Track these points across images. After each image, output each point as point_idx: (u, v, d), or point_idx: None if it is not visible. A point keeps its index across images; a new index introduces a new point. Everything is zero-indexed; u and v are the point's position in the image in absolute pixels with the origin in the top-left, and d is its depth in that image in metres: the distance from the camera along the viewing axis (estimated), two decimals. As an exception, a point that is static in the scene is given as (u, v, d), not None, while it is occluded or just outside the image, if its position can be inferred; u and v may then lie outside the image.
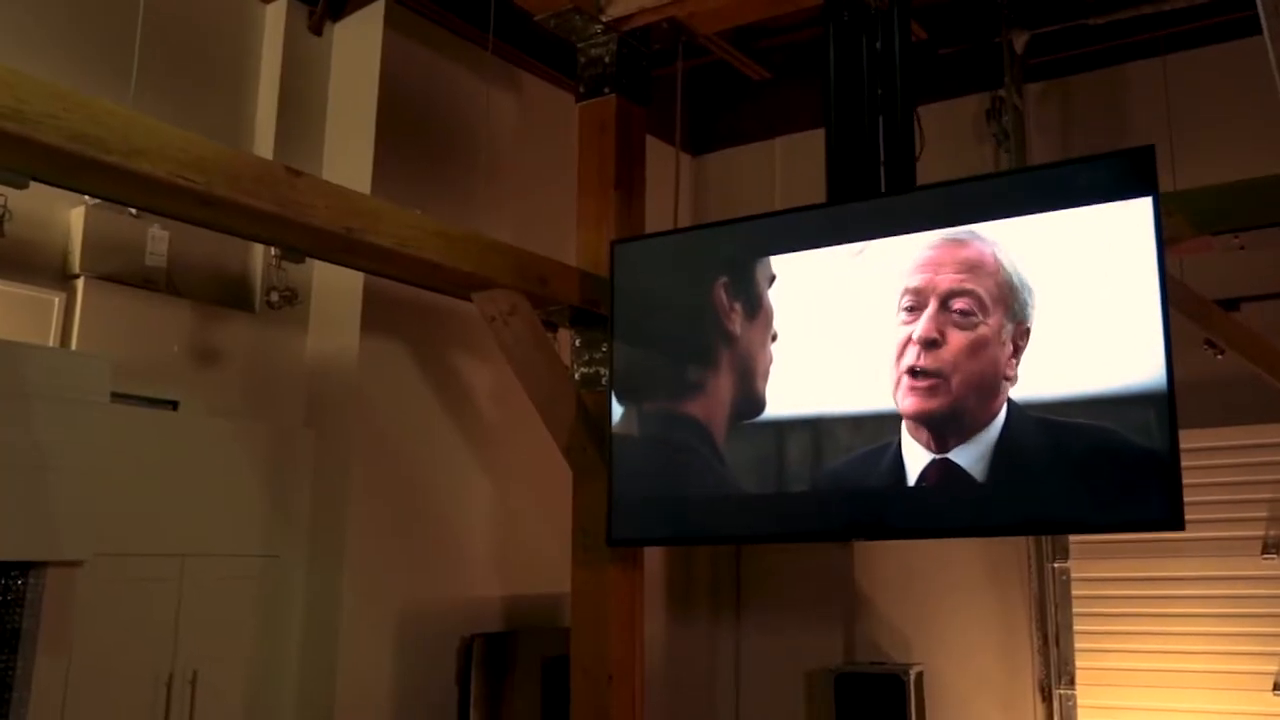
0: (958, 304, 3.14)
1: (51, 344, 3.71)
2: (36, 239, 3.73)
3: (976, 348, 3.10)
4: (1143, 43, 5.41)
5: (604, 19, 4.18)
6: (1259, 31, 2.79)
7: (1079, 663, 4.91)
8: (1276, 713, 4.46)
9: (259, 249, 4.38)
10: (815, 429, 3.33)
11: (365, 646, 4.33)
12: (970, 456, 3.07)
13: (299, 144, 4.52)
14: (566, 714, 3.99)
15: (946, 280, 3.17)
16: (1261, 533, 4.63)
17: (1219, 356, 4.63)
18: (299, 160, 4.28)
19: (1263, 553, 4.59)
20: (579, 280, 3.97)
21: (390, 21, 4.68)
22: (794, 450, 3.34)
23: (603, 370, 3.98)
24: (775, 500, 3.37)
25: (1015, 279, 3.09)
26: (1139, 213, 3.00)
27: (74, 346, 3.73)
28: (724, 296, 3.54)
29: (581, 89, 4.32)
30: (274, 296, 4.10)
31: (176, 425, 4.02)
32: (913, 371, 3.17)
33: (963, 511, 3.10)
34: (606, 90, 4.23)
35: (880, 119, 3.64)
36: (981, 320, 3.10)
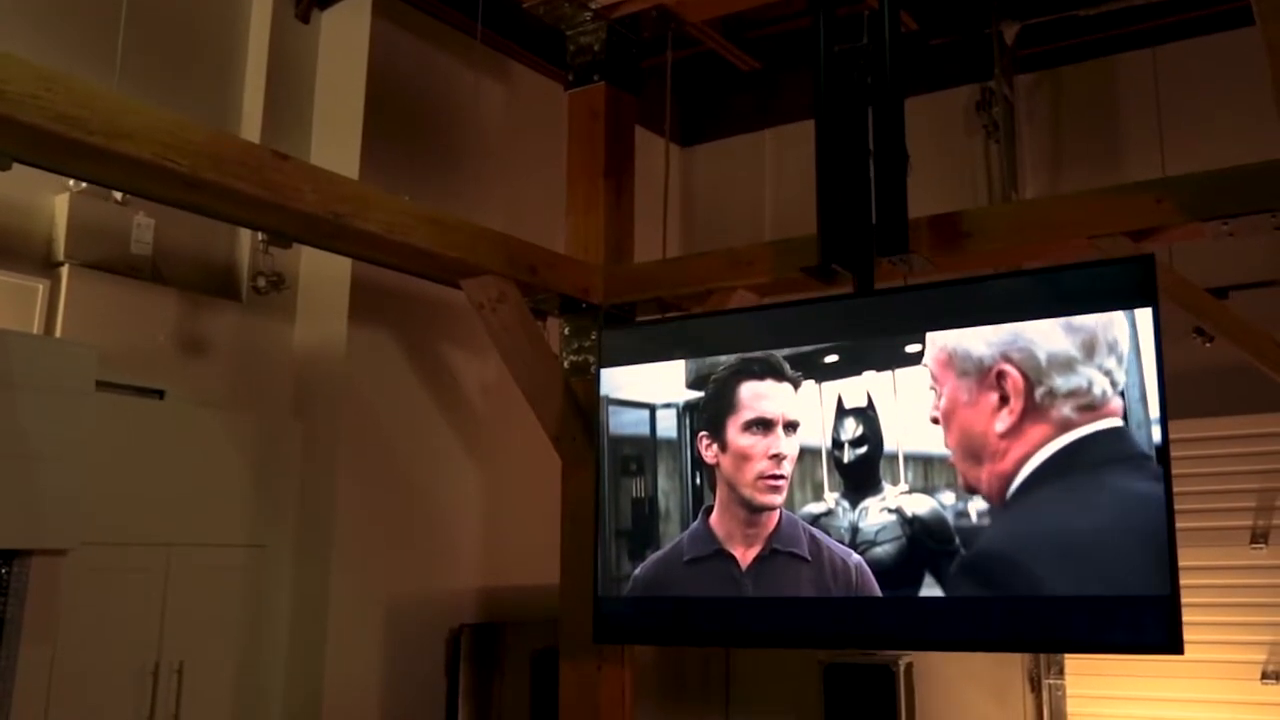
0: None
1: (35, 332, 3.67)
2: (20, 226, 3.69)
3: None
4: (1133, 34, 5.42)
5: (593, 6, 4.16)
6: (1247, 23, 2.79)
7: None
8: (1264, 701, 4.47)
9: (245, 238, 4.35)
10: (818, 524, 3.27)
11: (353, 637, 4.31)
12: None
13: (286, 132, 4.48)
14: (555, 707, 3.97)
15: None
16: (1250, 523, 4.64)
17: (1207, 345, 4.64)
18: (286, 148, 4.23)
19: (1251, 542, 4.60)
20: (568, 268, 3.95)
21: (379, 9, 4.66)
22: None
23: (591, 358, 3.97)
24: (778, 604, 3.28)
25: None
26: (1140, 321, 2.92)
27: (58, 334, 3.70)
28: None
29: (571, 77, 4.30)
30: (260, 282, 4.07)
31: (163, 415, 3.99)
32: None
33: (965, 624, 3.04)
34: (596, 78, 4.21)
35: (870, 110, 3.62)
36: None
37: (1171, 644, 2.72)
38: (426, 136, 4.86)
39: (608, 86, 4.19)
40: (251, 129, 4.41)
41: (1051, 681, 4.97)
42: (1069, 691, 4.87)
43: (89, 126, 2.51)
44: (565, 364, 4.04)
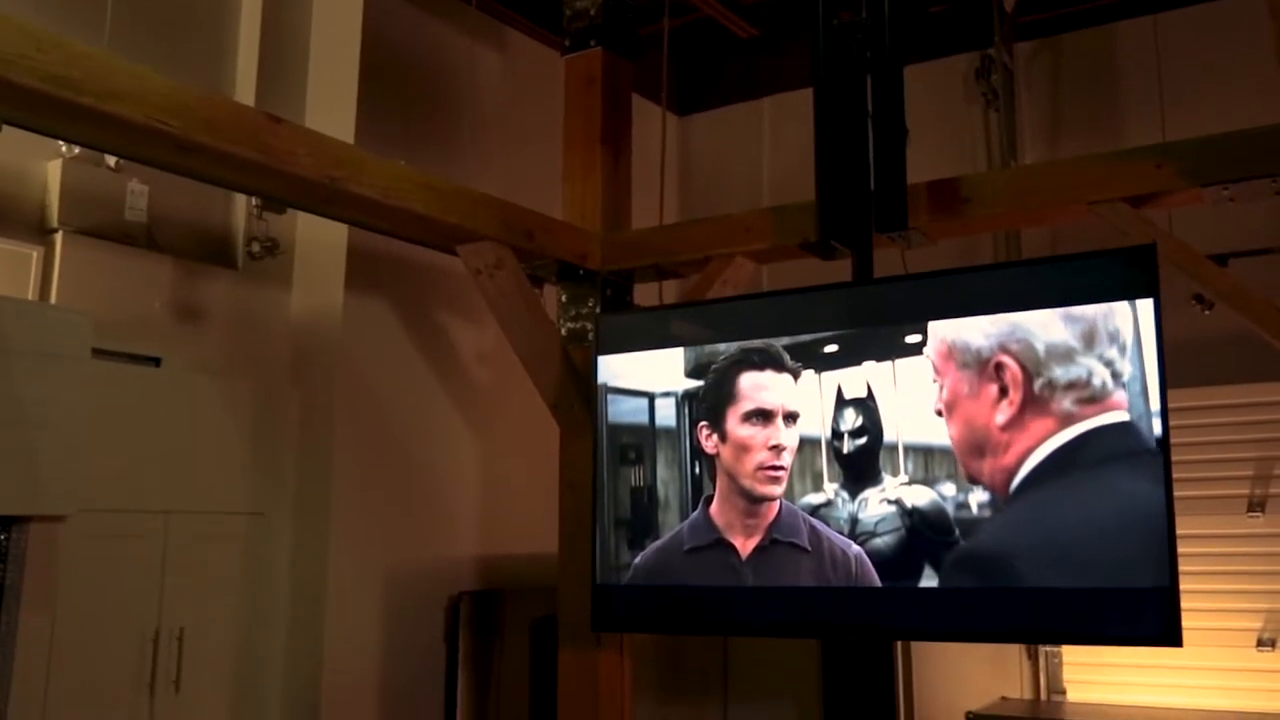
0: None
1: (30, 299, 3.66)
2: (13, 192, 3.67)
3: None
4: (1133, 1, 5.37)
5: (590, -30, 4.12)
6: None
7: (1065, 620, 4.93)
8: (1259, 668, 4.51)
9: (241, 205, 4.33)
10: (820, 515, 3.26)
11: (352, 604, 4.33)
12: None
13: (280, 98, 4.44)
14: (555, 675, 3.99)
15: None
16: (1247, 491, 4.65)
17: (1206, 312, 4.64)
18: (280, 113, 4.20)
19: (1248, 511, 4.61)
20: (565, 234, 3.94)
21: (372, -25, 4.62)
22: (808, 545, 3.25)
23: (589, 326, 3.96)
24: (778, 594, 3.26)
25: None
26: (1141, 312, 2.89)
27: (53, 301, 3.69)
28: (705, 433, 3.43)
29: (567, 42, 4.26)
30: (255, 247, 4.05)
31: (159, 382, 3.98)
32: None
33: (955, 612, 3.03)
34: (592, 43, 4.17)
35: (869, 78, 3.59)
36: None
37: (1169, 636, 2.74)
38: (422, 103, 4.82)
39: (604, 52, 4.16)
40: (246, 93, 4.37)
41: (1048, 649, 4.99)
42: (1065, 659, 4.91)
43: (80, 87, 2.49)
44: (563, 331, 4.03)
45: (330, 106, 4.50)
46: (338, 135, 4.06)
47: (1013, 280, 3.16)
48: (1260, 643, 4.54)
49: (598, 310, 3.98)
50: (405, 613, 4.54)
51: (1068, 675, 4.96)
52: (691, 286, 4.05)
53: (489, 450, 5.01)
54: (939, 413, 3.05)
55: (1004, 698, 4.98)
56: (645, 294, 4.49)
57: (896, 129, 3.40)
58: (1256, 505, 4.63)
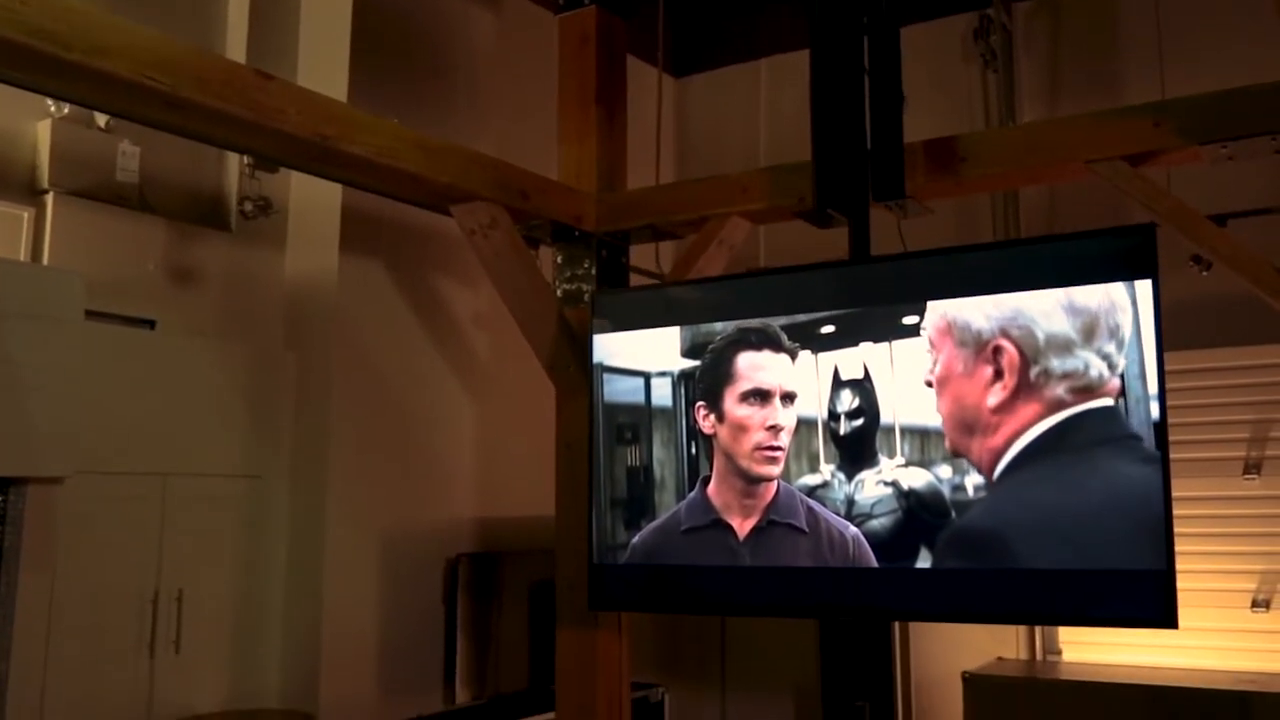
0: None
1: (22, 260, 3.64)
2: (2, 152, 3.64)
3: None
4: (1133, -40, 5.32)
5: (583, -74, 4.07)
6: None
7: (1061, 583, 4.95)
8: (1253, 629, 4.54)
9: (234, 167, 4.30)
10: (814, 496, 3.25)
11: (350, 567, 4.34)
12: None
13: (272, 57, 4.39)
14: (553, 639, 4.00)
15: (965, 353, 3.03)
16: (1243, 454, 4.66)
17: (1204, 273, 4.62)
18: (272, 72, 4.17)
19: (1244, 473, 4.63)
20: (560, 195, 3.91)
21: (364, -67, 4.56)
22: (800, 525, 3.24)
23: (585, 286, 3.94)
24: (775, 574, 3.26)
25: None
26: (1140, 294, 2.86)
27: (45, 263, 3.67)
28: (702, 413, 3.40)
29: (561, 0, 4.21)
30: (248, 206, 4.03)
31: (155, 344, 3.98)
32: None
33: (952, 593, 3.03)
34: (586, 1, 4.12)
35: (866, 40, 3.55)
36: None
37: (1166, 619, 2.74)
38: (416, 64, 4.78)
39: (598, 10, 4.11)
40: (236, 50, 4.33)
41: (1044, 610, 5.02)
42: (1061, 620, 4.94)
43: (66, 42, 2.45)
44: (558, 293, 4.01)
45: (322, 66, 4.46)
46: (330, 95, 4.05)
47: (1010, 260, 3.15)
48: (1255, 604, 4.56)
49: (593, 271, 3.96)
50: (403, 575, 4.56)
51: (1063, 636, 4.99)
52: (688, 247, 4.03)
53: (486, 412, 5.01)
54: (929, 384, 3.05)
55: (1000, 658, 5.01)
56: (642, 255, 4.48)
57: (894, 93, 3.37)
58: (1252, 467, 4.64)
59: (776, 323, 3.29)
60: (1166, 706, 4.27)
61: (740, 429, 3.31)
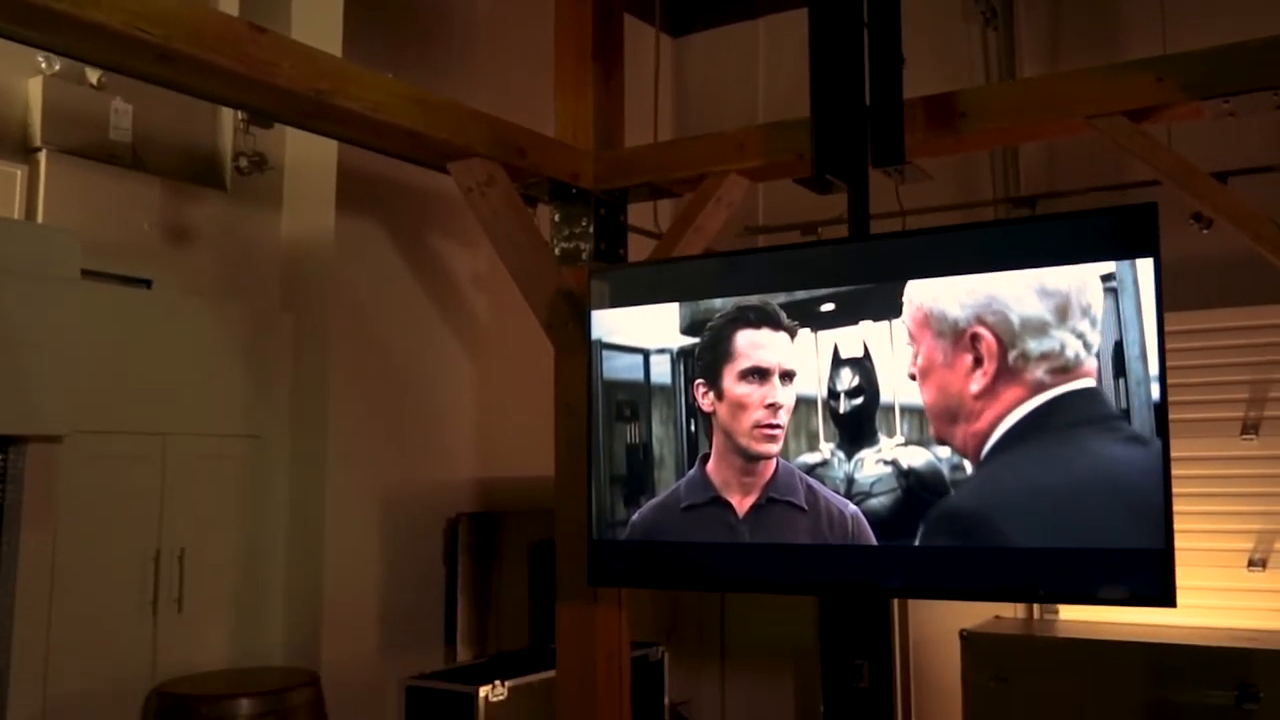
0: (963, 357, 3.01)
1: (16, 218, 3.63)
2: (-7, 110, 3.63)
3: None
4: (1136, -87, 5.25)
5: (580, -121, 4.01)
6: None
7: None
8: (1249, 588, 4.56)
9: (227, 126, 4.27)
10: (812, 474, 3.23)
11: (351, 526, 4.36)
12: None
13: (265, 10, 4.35)
14: (554, 599, 4.03)
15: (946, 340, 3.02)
16: (1241, 414, 4.67)
17: (1204, 231, 4.61)
18: (265, 24, 4.14)
19: (1242, 433, 4.63)
20: (558, 152, 3.89)
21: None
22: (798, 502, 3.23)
23: (583, 245, 3.93)
24: (775, 551, 3.25)
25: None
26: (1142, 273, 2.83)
27: (39, 222, 3.65)
28: (701, 391, 3.37)
29: (557, -45, 4.17)
30: (243, 162, 4.00)
31: (151, 304, 3.97)
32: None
33: (948, 571, 3.03)
34: (583, -44, 4.08)
35: (865, 5, 3.50)
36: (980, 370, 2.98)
37: (1164, 598, 2.76)
38: (411, 18, 4.73)
39: (595, -35, 4.07)
40: (229, 3, 4.29)
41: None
42: (1058, 581, 4.96)
43: (57, -8, 2.43)
44: (556, 251, 4.00)
45: (316, 19, 4.41)
46: (324, 49, 4.01)
47: (1011, 238, 3.15)
48: (1251, 563, 4.58)
49: (591, 229, 3.94)
50: (404, 534, 4.58)
51: (1062, 598, 5.02)
52: (686, 205, 4.01)
53: (485, 373, 5.01)
54: (912, 377, 3.06)
55: (997, 616, 5.04)
56: (639, 214, 4.46)
57: (893, 52, 3.34)
58: (1250, 428, 4.65)
59: (776, 300, 3.28)
60: (1162, 664, 4.30)
61: (739, 407, 3.31)
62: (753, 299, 3.32)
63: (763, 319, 3.31)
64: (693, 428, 3.40)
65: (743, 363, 3.32)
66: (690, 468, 3.39)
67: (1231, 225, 3.39)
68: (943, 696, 5.01)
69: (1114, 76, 3.37)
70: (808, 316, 3.24)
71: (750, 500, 3.28)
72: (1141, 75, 3.32)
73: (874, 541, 3.10)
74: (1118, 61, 3.54)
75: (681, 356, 3.43)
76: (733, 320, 3.35)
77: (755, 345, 3.31)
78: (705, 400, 3.38)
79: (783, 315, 3.28)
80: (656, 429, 3.47)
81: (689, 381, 3.41)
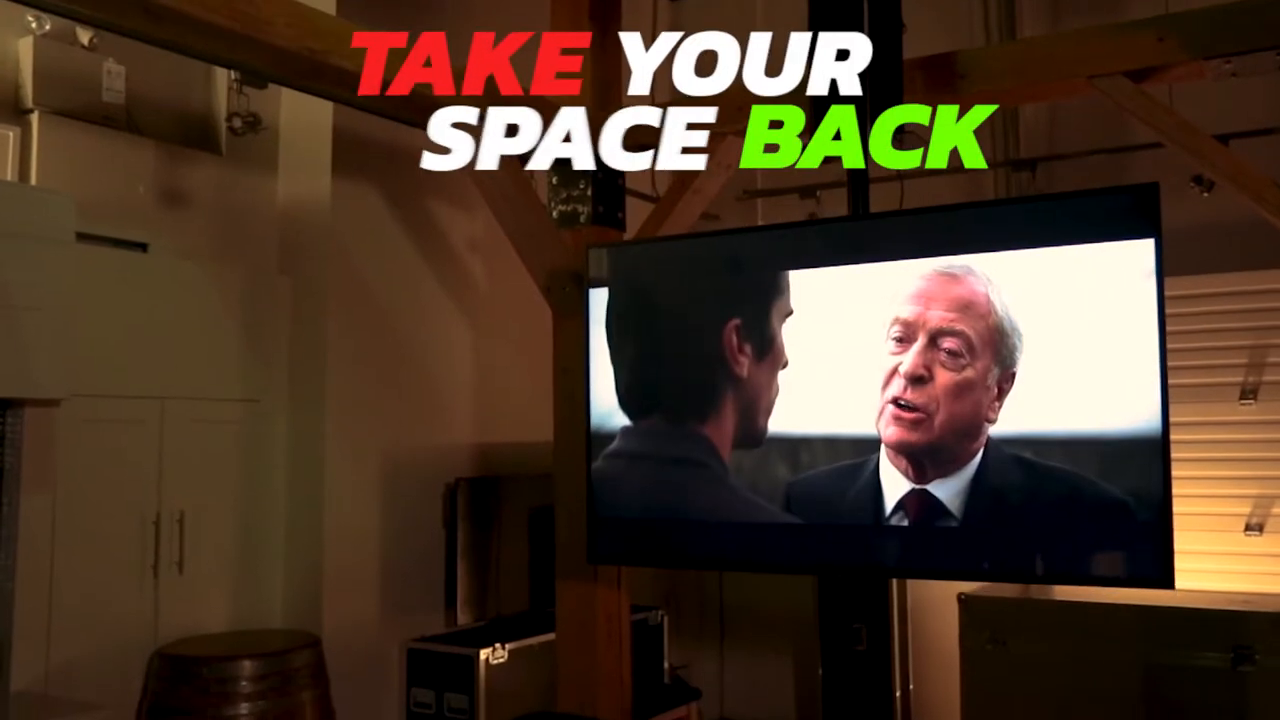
0: (947, 343, 2.98)
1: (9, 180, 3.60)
2: (-17, 70, 3.59)
3: (962, 389, 2.97)
4: None
5: None
6: None
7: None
8: (1246, 552, 4.58)
9: (222, 88, 4.24)
10: (800, 448, 3.22)
11: (350, 490, 4.37)
12: (948, 491, 3.00)
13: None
14: (553, 564, 4.04)
15: (937, 317, 3.01)
16: (1240, 379, 4.66)
17: (1205, 194, 4.59)
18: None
19: (1240, 398, 4.63)
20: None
21: None
22: (779, 469, 3.23)
23: (581, 208, 3.91)
24: (760, 530, 3.27)
25: (1006, 323, 2.94)
26: (1141, 253, 2.84)
27: (33, 185, 3.63)
28: (735, 339, 3.32)
29: (553, -85, 4.12)
30: (237, 123, 3.97)
31: (148, 267, 3.95)
32: (897, 402, 3.05)
33: (940, 551, 3.05)
34: (580, -85, 4.03)
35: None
36: (969, 363, 2.96)
37: (1162, 580, 2.79)
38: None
39: (592, -76, 4.02)
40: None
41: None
42: (1055, 543, 4.97)
43: (45, -53, 2.41)
44: (554, 214, 3.98)
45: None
46: (319, 7, 3.97)
47: (1013, 216, 3.16)
48: (1248, 527, 4.60)
49: (589, 193, 3.92)
50: (403, 498, 4.59)
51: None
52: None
53: (483, 337, 5.01)
54: (913, 377, 3.07)
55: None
56: (637, 177, 4.44)
57: (893, 19, 3.30)
58: (1249, 393, 4.65)
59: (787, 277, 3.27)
60: (1159, 627, 4.32)
61: (750, 382, 3.31)
62: (763, 273, 3.30)
63: (775, 294, 3.29)
64: (714, 393, 3.35)
65: (755, 339, 3.30)
66: (695, 434, 3.36)
67: (1233, 187, 3.38)
68: (940, 659, 5.05)
69: (1115, 36, 3.35)
70: (817, 294, 3.23)
71: (755, 476, 3.27)
72: (1143, 35, 3.30)
73: (877, 521, 3.11)
74: (1119, 21, 3.50)
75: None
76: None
77: (770, 320, 3.29)
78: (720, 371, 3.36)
79: (793, 293, 3.26)
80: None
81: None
